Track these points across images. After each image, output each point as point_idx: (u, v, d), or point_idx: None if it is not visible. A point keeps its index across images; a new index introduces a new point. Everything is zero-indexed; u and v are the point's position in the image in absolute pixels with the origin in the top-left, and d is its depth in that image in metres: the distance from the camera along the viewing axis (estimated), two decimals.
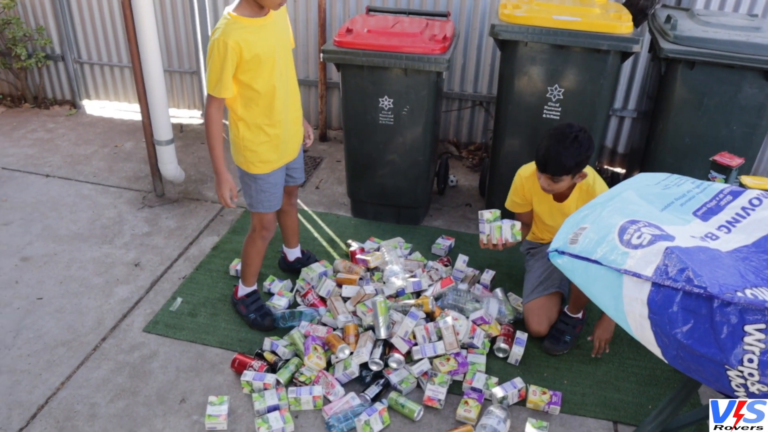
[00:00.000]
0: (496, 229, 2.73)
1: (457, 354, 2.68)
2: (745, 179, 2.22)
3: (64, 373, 2.65)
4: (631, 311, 1.53)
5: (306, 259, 3.32)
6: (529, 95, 3.20)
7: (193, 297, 3.11)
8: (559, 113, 3.21)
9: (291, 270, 3.31)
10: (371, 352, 2.66)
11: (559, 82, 3.11)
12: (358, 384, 2.62)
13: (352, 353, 2.67)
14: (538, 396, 2.52)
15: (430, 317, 2.87)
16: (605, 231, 1.68)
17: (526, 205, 2.96)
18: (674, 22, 3.10)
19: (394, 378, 2.59)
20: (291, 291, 3.16)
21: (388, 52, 3.18)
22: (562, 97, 3.17)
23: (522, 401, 2.55)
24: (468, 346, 2.77)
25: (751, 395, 1.37)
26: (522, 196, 2.92)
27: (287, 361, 2.69)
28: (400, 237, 3.58)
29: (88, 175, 4.28)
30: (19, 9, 5.11)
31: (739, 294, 1.33)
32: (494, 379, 2.60)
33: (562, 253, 1.76)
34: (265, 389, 2.54)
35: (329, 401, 2.52)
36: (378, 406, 2.45)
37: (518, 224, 2.74)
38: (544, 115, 3.20)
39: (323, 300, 3.04)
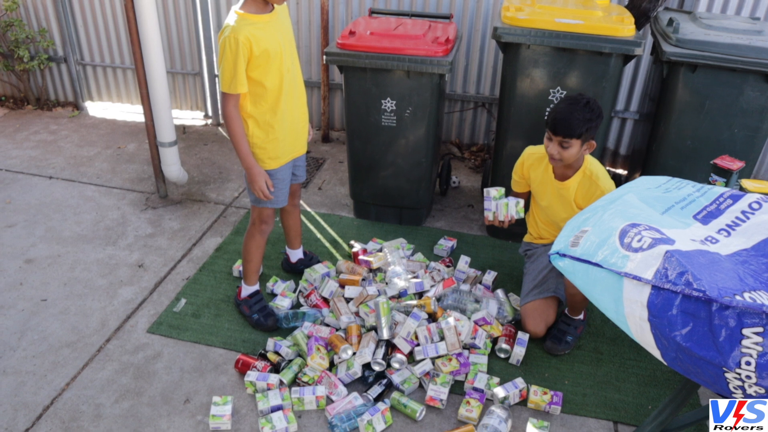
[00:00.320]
0: (503, 206, 2.76)
1: (459, 354, 2.70)
2: (746, 182, 2.23)
3: (68, 374, 2.67)
4: (631, 314, 1.55)
5: (308, 260, 3.34)
6: (532, 97, 3.21)
7: (196, 298, 3.13)
8: None
9: (294, 271, 3.33)
10: (374, 353, 2.68)
11: (562, 85, 3.13)
12: (360, 384, 2.64)
13: (354, 353, 2.69)
14: (539, 396, 2.54)
15: (432, 318, 2.89)
16: (606, 234, 1.69)
17: (523, 185, 3.00)
18: (676, 25, 3.12)
19: (396, 378, 2.61)
20: (294, 292, 3.18)
21: (391, 54, 3.20)
22: None
23: (523, 401, 2.57)
24: (470, 347, 2.79)
25: (748, 397, 1.39)
26: (521, 174, 2.97)
27: (290, 361, 2.71)
28: (403, 238, 3.60)
29: (91, 177, 4.30)
30: (22, 11, 5.14)
31: (738, 297, 1.35)
32: (496, 380, 2.62)
33: (564, 255, 1.78)
34: (269, 389, 2.56)
35: (332, 401, 2.54)
36: (380, 405, 2.47)
37: (521, 201, 2.78)
38: (546, 118, 3.21)
39: (326, 301, 3.06)
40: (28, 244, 3.54)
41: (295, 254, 3.31)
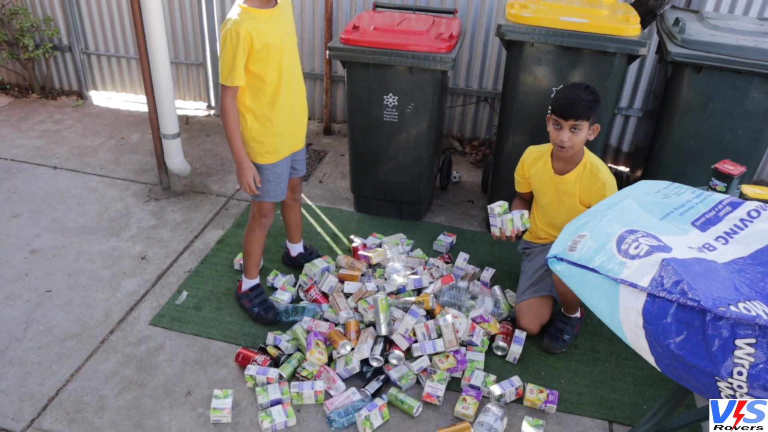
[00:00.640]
0: (508, 222, 2.78)
1: (456, 351, 2.73)
2: (746, 189, 2.24)
3: (73, 366, 2.70)
4: (626, 320, 1.57)
5: (308, 255, 3.36)
6: (535, 95, 3.21)
7: (198, 291, 3.16)
8: None
9: (294, 265, 3.36)
10: (372, 349, 2.71)
11: (565, 83, 3.12)
12: (358, 379, 2.67)
13: (353, 349, 2.72)
14: (535, 394, 2.56)
15: (430, 315, 2.91)
16: (604, 240, 1.71)
17: (525, 185, 3.03)
18: (682, 25, 3.11)
19: (394, 374, 2.64)
20: (294, 286, 3.21)
21: (394, 50, 3.20)
22: None
23: (519, 399, 2.60)
24: (467, 344, 2.82)
25: None
26: (522, 174, 3.00)
27: (290, 355, 2.74)
28: (402, 233, 3.62)
29: (95, 168, 4.32)
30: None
31: (732, 308, 1.37)
32: (492, 377, 2.65)
33: (561, 259, 1.79)
34: (269, 383, 2.59)
35: (330, 396, 2.57)
36: (378, 401, 2.49)
37: (526, 213, 2.81)
38: (551, 107, 3.21)
39: (325, 296, 3.08)
40: (33, 234, 3.57)
41: (296, 248, 3.34)
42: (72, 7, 5.08)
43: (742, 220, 1.73)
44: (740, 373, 1.34)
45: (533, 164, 2.92)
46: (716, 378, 1.39)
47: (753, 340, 1.33)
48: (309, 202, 3.99)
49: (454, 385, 2.65)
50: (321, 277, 3.17)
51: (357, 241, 3.48)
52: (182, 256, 3.43)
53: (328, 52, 3.32)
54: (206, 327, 2.93)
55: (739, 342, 1.34)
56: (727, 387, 1.38)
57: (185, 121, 5.02)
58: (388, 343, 2.77)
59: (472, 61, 4.54)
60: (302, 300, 3.10)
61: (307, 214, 3.83)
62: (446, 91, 3.65)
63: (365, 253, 3.31)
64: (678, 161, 3.26)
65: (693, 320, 1.41)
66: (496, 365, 2.77)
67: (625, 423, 2.52)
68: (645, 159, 3.50)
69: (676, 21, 3.17)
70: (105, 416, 2.47)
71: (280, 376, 2.63)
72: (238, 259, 3.32)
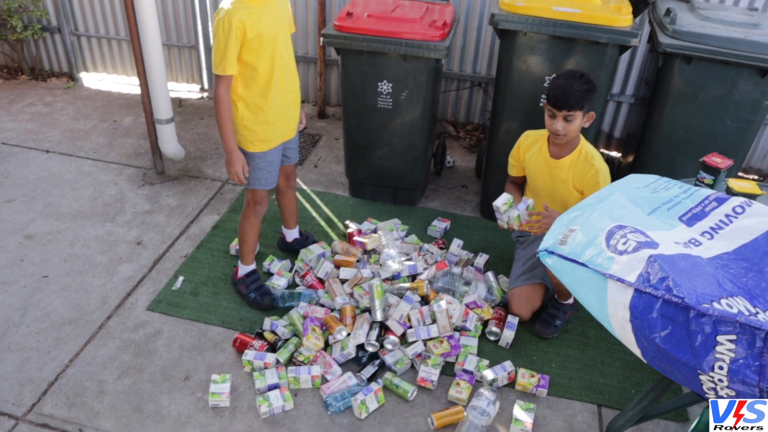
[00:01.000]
0: (514, 219, 2.80)
1: (450, 337, 2.79)
2: (733, 183, 2.29)
3: (71, 351, 2.75)
4: (614, 314, 1.62)
5: (304, 240, 3.40)
6: (527, 83, 3.24)
7: (194, 276, 3.20)
8: None
9: (290, 250, 3.40)
10: (368, 334, 2.77)
11: (558, 72, 3.15)
12: (354, 364, 2.73)
13: (349, 334, 2.77)
14: (526, 379, 2.64)
15: (424, 300, 2.97)
16: (593, 234, 1.76)
17: (519, 168, 3.07)
18: (674, 15, 3.13)
19: (389, 359, 2.70)
20: (290, 271, 3.25)
21: (388, 37, 3.21)
22: None
23: (511, 383, 2.67)
24: (461, 329, 2.88)
25: (719, 398, 1.47)
26: (516, 158, 3.04)
27: (287, 340, 2.79)
28: (397, 218, 3.66)
29: (88, 151, 4.32)
30: None
31: (715, 304, 1.43)
32: (485, 362, 2.71)
33: (552, 253, 1.84)
34: (266, 368, 2.65)
35: (327, 380, 2.63)
36: (374, 386, 2.56)
37: (531, 202, 2.81)
38: (541, 103, 3.25)
39: (321, 281, 3.13)
40: (27, 219, 3.58)
41: (291, 234, 3.37)
42: None
43: (727, 215, 1.79)
44: (721, 368, 1.41)
45: (529, 148, 2.96)
46: (698, 372, 1.45)
47: (734, 337, 1.40)
48: (304, 187, 4.02)
49: (447, 370, 2.72)
50: (317, 262, 3.21)
51: (352, 227, 3.53)
52: (178, 242, 3.46)
53: (322, 39, 3.33)
54: (203, 312, 2.98)
55: (720, 338, 1.40)
56: (709, 380, 1.44)
57: (178, 103, 5.01)
58: (384, 328, 2.83)
59: (466, 46, 4.55)
60: (298, 285, 3.15)
61: (302, 199, 3.86)
62: (440, 78, 3.66)
63: (361, 239, 3.35)
64: (668, 150, 3.31)
65: (677, 316, 1.47)
66: (489, 350, 2.83)
67: (614, 407, 2.60)
68: (636, 146, 3.55)
69: (668, 11, 3.20)
70: (105, 401, 2.53)
71: (277, 361, 2.68)
72: (234, 245, 3.36)
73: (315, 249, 3.30)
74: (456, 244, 3.39)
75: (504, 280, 3.20)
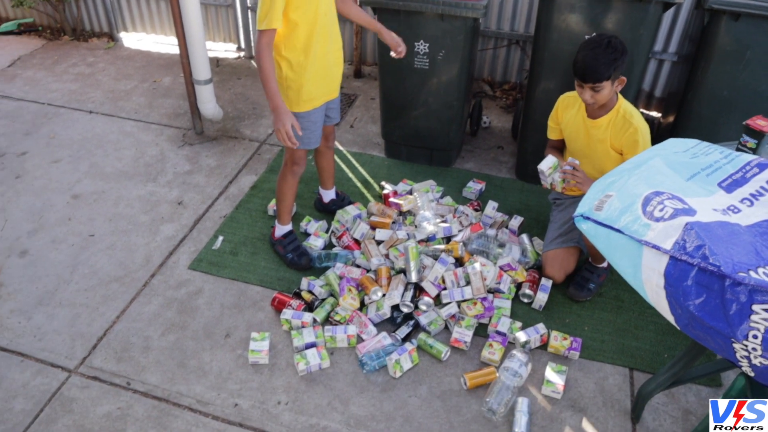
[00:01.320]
0: (559, 182, 2.82)
1: (484, 299, 2.82)
2: None
3: (118, 308, 2.87)
4: (648, 280, 1.62)
5: (341, 201, 3.44)
6: (566, 42, 3.16)
7: (233, 236, 3.28)
8: None
9: (326, 211, 3.44)
10: (402, 295, 2.81)
11: (597, 30, 3.07)
12: (389, 324, 2.79)
13: (384, 295, 2.83)
14: (559, 341, 2.66)
15: (459, 262, 3.00)
16: (630, 200, 1.74)
17: (558, 131, 3.03)
18: None
19: (423, 320, 2.75)
20: (326, 232, 3.31)
21: None
22: None
23: (543, 345, 2.70)
24: (494, 291, 2.91)
25: (753, 367, 1.47)
26: (555, 120, 3.00)
27: (323, 300, 2.86)
28: (432, 180, 3.66)
29: (129, 112, 4.41)
30: None
31: (752, 273, 1.41)
32: (518, 324, 2.74)
33: (587, 218, 1.84)
34: (303, 327, 2.73)
35: (362, 340, 2.69)
36: (408, 346, 2.62)
37: (577, 163, 2.81)
38: (573, 66, 3.17)
39: (357, 242, 3.18)
40: (73, 179, 3.71)
41: (328, 194, 3.42)
42: None
43: None
44: (755, 337, 1.40)
45: (567, 109, 2.91)
46: (732, 340, 1.45)
47: None
48: (341, 147, 4.04)
49: (481, 331, 2.75)
50: (353, 224, 3.26)
51: (388, 188, 3.55)
52: (217, 202, 3.54)
53: None
54: (242, 272, 3.06)
55: (755, 307, 1.39)
56: (743, 348, 1.44)
57: (216, 63, 5.04)
58: (418, 289, 2.87)
59: (504, 2, 4.44)
60: (335, 246, 3.20)
61: (338, 160, 3.89)
62: (477, 37, 3.60)
63: (396, 201, 3.38)
64: (711, 111, 3.21)
65: (712, 284, 1.46)
66: (522, 312, 2.86)
67: (646, 370, 2.60)
68: (678, 106, 3.45)
69: None
70: (150, 356, 2.65)
71: (314, 320, 2.76)
72: (272, 205, 3.42)
73: (351, 210, 3.34)
74: (491, 206, 3.38)
75: (538, 243, 3.19)
